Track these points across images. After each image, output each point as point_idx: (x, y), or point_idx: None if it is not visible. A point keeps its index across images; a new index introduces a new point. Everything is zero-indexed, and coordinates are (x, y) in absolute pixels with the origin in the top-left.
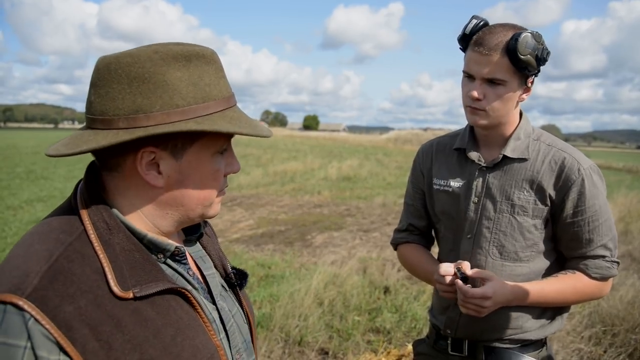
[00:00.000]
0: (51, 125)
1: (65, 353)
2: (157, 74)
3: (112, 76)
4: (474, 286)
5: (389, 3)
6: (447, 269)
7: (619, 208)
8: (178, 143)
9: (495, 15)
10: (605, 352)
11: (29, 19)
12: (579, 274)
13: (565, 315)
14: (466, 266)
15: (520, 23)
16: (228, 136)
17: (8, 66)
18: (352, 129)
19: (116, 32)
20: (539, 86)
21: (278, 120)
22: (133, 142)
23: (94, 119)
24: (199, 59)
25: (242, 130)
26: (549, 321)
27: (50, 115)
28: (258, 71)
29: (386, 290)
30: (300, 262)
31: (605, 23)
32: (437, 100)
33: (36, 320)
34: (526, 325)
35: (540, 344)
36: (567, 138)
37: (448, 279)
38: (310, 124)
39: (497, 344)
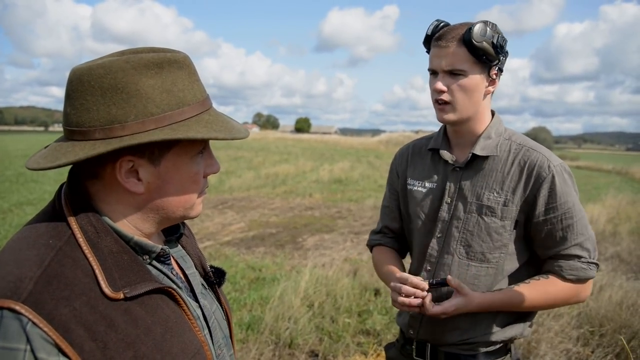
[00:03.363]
0: (41, 128)
1: (64, 354)
2: (130, 84)
3: (85, 88)
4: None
5: (384, 6)
6: (417, 281)
7: (608, 210)
8: (155, 150)
9: (489, 18)
10: (592, 352)
11: (22, 20)
12: (552, 278)
13: (529, 321)
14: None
15: (514, 26)
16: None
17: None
18: (344, 131)
19: (110, 35)
20: (531, 89)
21: (270, 122)
22: (110, 152)
23: (71, 130)
24: (171, 65)
25: (217, 135)
26: (510, 325)
27: (40, 118)
28: (251, 74)
29: (376, 292)
30: (291, 265)
31: (597, 26)
32: (430, 102)
33: (34, 323)
34: (487, 329)
35: (503, 351)
36: (558, 140)
37: (412, 297)
38: (302, 126)
39: (457, 351)
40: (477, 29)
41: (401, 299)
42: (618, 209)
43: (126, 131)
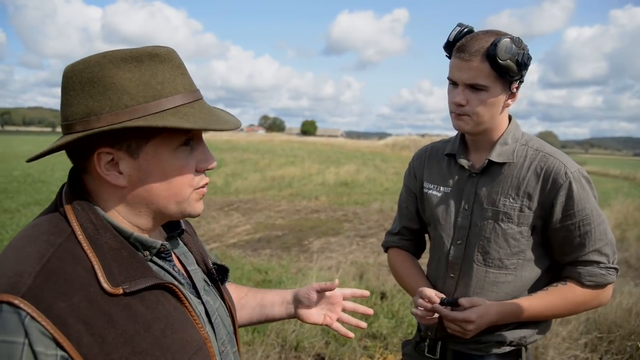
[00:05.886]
0: (49, 129)
1: (62, 348)
2: (106, 77)
3: (69, 83)
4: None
5: (394, 9)
6: (431, 294)
7: (616, 215)
8: (132, 143)
9: (500, 22)
10: (601, 358)
11: (32, 22)
12: (570, 284)
13: (541, 326)
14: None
15: (524, 30)
16: (185, 131)
17: (9, 69)
18: (350, 134)
19: (120, 36)
20: (539, 93)
21: (276, 125)
22: (89, 145)
23: (61, 125)
24: (152, 59)
25: (184, 125)
26: (521, 327)
27: (48, 119)
28: (259, 76)
29: (383, 295)
30: (297, 267)
31: (607, 30)
32: (437, 106)
33: (32, 317)
34: (498, 329)
35: (514, 355)
36: (565, 145)
37: (428, 305)
38: (308, 129)
39: (466, 350)
40: (502, 45)
41: (414, 310)
42: (626, 215)
43: (101, 123)
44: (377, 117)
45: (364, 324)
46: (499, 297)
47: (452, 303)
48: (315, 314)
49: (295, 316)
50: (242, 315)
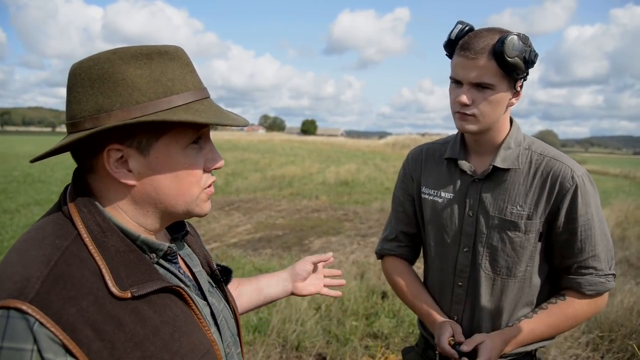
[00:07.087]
0: (49, 129)
1: (71, 354)
2: (116, 73)
3: (76, 80)
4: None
5: (395, 8)
6: (447, 347)
7: (616, 214)
8: (142, 139)
9: (501, 21)
10: (602, 358)
11: (33, 21)
12: (569, 299)
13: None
14: (458, 333)
15: (526, 29)
16: (197, 128)
17: (10, 69)
18: (350, 133)
19: (121, 36)
20: (539, 92)
21: (276, 124)
22: (99, 142)
23: (67, 124)
24: (161, 56)
25: (198, 119)
26: None
27: (48, 119)
28: (260, 75)
29: (384, 295)
30: None
31: (608, 29)
32: (438, 105)
33: (41, 323)
34: None
35: (528, 356)
36: (565, 144)
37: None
38: (309, 128)
39: None
40: (509, 42)
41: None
42: (626, 214)
43: (112, 120)
44: (378, 116)
45: (342, 282)
46: (510, 305)
47: (459, 352)
48: (310, 285)
49: (292, 292)
50: (242, 303)
